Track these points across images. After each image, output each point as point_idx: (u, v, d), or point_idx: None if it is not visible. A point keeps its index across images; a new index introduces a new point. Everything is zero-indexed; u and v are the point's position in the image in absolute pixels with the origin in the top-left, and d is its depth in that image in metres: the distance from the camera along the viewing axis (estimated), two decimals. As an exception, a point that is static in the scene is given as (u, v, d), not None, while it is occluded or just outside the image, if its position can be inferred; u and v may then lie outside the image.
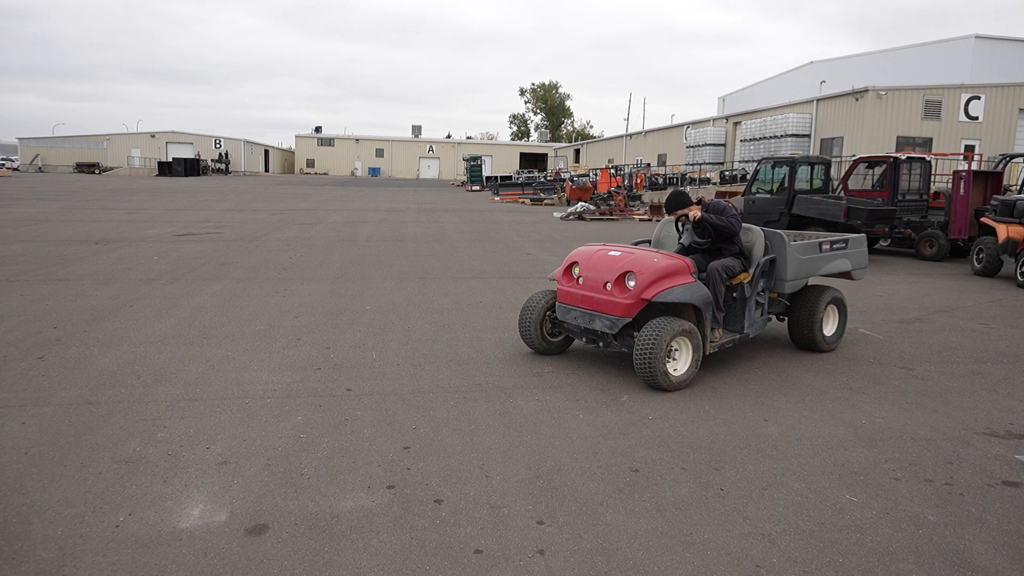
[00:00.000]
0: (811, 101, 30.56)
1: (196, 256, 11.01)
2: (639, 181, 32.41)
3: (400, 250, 12.55)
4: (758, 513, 3.13)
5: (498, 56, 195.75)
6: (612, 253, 5.17)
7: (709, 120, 40.01)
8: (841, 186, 14.23)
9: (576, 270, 5.27)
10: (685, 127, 41.85)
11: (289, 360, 5.34)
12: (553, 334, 5.63)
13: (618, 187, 26.50)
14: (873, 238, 13.97)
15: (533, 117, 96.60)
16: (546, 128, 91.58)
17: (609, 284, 4.95)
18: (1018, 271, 10.13)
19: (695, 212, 5.43)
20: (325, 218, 19.17)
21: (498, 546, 2.82)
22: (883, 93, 26.99)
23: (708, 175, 33.56)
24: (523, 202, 31.07)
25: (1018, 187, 15.32)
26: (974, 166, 22.02)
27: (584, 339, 5.29)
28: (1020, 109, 28.04)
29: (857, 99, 27.49)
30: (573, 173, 38.70)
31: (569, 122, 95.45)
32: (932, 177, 15.86)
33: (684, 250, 5.68)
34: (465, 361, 5.44)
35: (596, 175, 31.41)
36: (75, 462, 3.48)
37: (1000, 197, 11.35)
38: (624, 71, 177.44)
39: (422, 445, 3.80)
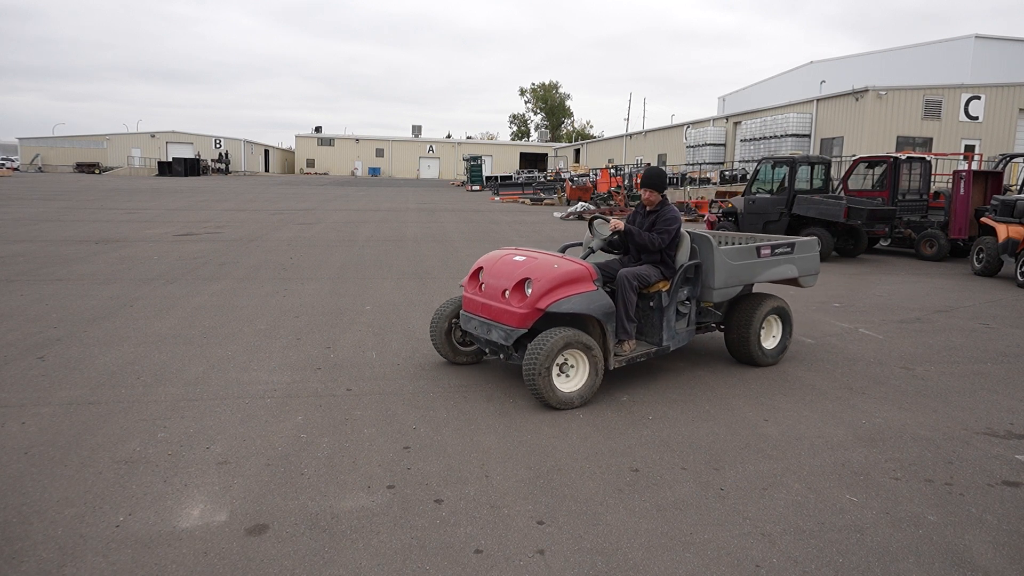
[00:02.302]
0: (811, 101, 30.55)
1: (196, 256, 11.01)
2: (639, 181, 32.39)
3: (400, 250, 12.55)
4: (758, 513, 3.13)
5: (498, 56, 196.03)
6: (516, 258, 4.78)
7: (709, 120, 39.99)
8: (841, 186, 14.23)
9: (482, 275, 4.90)
10: (685, 127, 41.83)
11: (289, 360, 5.34)
12: (465, 343, 5.28)
13: (618, 187, 26.51)
14: (873, 238, 13.99)
15: (533, 117, 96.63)
16: (546, 128, 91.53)
17: (507, 292, 4.56)
18: (1018, 271, 10.13)
19: (616, 224, 5.04)
20: (325, 218, 19.17)
21: (498, 546, 2.82)
22: (883, 93, 26.98)
23: (708, 175, 33.56)
24: (523, 202, 31.07)
25: (1018, 187, 15.32)
26: (974, 166, 22.02)
27: (488, 350, 4.93)
28: (1020, 109, 28.03)
29: (857, 99, 27.49)
30: (573, 173, 38.70)
31: (569, 122, 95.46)
32: (932, 177, 15.87)
33: (617, 251, 5.33)
34: (465, 361, 5.43)
35: (596, 175, 31.43)
36: (75, 462, 3.48)
37: (1000, 197, 11.35)
38: (624, 71, 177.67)
39: (422, 445, 3.80)
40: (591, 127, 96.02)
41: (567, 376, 4.43)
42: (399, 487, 3.31)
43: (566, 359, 4.40)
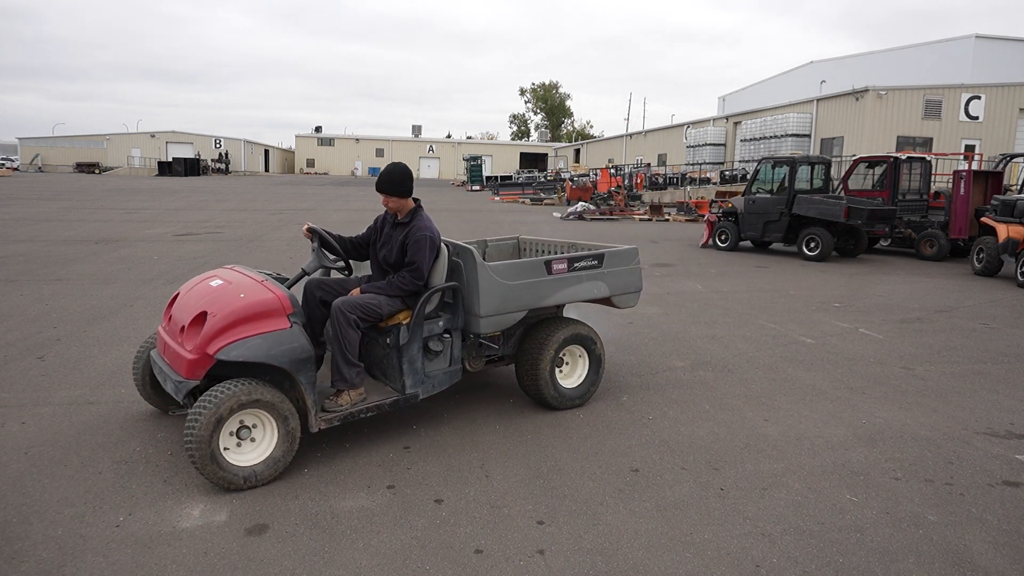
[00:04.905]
0: (811, 101, 30.55)
1: (196, 256, 11.01)
2: (639, 181, 32.41)
3: (400, 250, 12.53)
4: (758, 513, 3.13)
5: (498, 56, 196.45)
6: (212, 283, 3.66)
7: (709, 120, 39.99)
8: (841, 186, 14.24)
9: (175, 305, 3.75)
10: (685, 127, 41.83)
11: (289, 360, 5.33)
12: None
13: (618, 187, 26.49)
14: (873, 238, 14.00)
15: (533, 117, 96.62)
16: (546, 128, 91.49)
17: (185, 328, 3.43)
18: (1018, 271, 10.13)
19: (307, 228, 3.92)
20: (325, 218, 19.17)
21: (498, 546, 2.82)
22: (883, 93, 26.99)
23: (708, 175, 33.58)
24: (523, 202, 31.08)
25: (1018, 187, 15.32)
26: (974, 166, 22.02)
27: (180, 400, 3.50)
28: (1020, 109, 28.03)
29: (857, 99, 27.49)
30: (573, 173, 38.72)
31: (569, 122, 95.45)
32: (932, 177, 15.87)
33: (378, 272, 4.07)
34: (465, 361, 5.42)
35: (596, 175, 31.43)
36: (75, 462, 3.48)
37: (1000, 197, 11.35)
38: (624, 71, 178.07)
39: (422, 445, 3.80)
40: (591, 127, 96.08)
41: (253, 441, 3.33)
42: (399, 487, 3.31)
43: (244, 422, 3.29)
